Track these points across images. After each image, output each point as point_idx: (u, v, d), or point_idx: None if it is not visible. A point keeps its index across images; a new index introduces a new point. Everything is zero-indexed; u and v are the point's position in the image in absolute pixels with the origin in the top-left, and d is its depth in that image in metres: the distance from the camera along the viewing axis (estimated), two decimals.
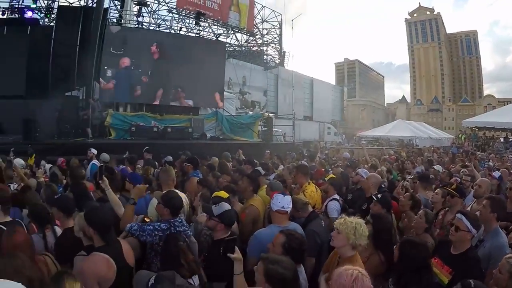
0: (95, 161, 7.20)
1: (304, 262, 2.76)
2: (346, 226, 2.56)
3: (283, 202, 3.19)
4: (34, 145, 10.54)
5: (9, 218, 3.12)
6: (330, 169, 7.48)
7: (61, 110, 13.71)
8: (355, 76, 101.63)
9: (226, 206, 3.01)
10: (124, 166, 6.61)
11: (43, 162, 7.35)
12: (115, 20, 18.55)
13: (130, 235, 2.90)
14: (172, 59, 16.74)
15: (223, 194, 3.44)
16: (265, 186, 4.47)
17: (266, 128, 18.34)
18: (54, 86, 15.00)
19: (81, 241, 2.65)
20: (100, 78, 15.87)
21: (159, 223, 2.96)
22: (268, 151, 11.12)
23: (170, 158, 7.49)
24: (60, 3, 18.71)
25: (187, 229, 3.08)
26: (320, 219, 3.80)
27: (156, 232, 2.87)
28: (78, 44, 16.12)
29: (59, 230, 3.12)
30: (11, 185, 4.93)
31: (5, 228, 2.81)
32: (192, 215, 3.98)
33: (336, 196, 4.70)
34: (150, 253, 2.99)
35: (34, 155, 7.88)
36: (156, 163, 6.97)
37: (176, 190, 3.80)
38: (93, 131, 13.59)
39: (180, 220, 3.04)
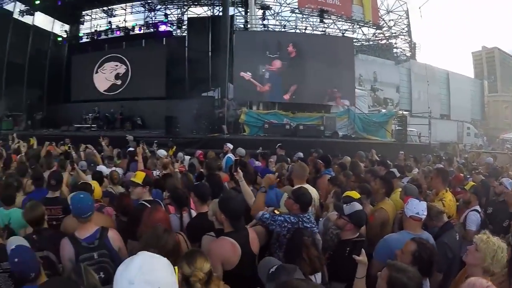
0: (230, 155, 7.80)
1: (431, 276, 2.51)
2: (487, 246, 2.25)
3: (418, 208, 2.94)
4: (174, 139, 12.10)
5: (151, 198, 3.62)
6: (469, 176, 6.54)
7: (198, 108, 15.37)
8: (495, 66, 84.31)
9: (358, 206, 2.92)
10: (258, 162, 6.92)
11: (180, 154, 8.28)
12: (241, 26, 19.93)
13: (261, 222, 3.01)
14: (305, 57, 17.13)
15: (354, 194, 3.33)
16: (399, 189, 4.20)
17: (400, 127, 16.91)
18: (191, 87, 17.15)
19: (212, 225, 2.87)
20: (255, 81, 17.16)
21: (289, 216, 3.00)
22: (402, 152, 10.23)
23: (300, 154, 7.56)
24: (189, 16, 21.29)
25: (314, 226, 3.07)
26: (454, 231, 3.40)
27: (286, 224, 2.92)
28: (210, 50, 17.97)
29: (194, 214, 3.45)
30: (154, 172, 5.75)
31: (148, 205, 3.30)
32: (321, 212, 3.96)
33: (478, 208, 4.18)
34: (274, 244, 3.06)
35: (174, 147, 8.99)
36: (288, 159, 7.09)
37: (307, 185, 3.84)
38: (228, 128, 14.83)
39: (308, 217, 3.04)
